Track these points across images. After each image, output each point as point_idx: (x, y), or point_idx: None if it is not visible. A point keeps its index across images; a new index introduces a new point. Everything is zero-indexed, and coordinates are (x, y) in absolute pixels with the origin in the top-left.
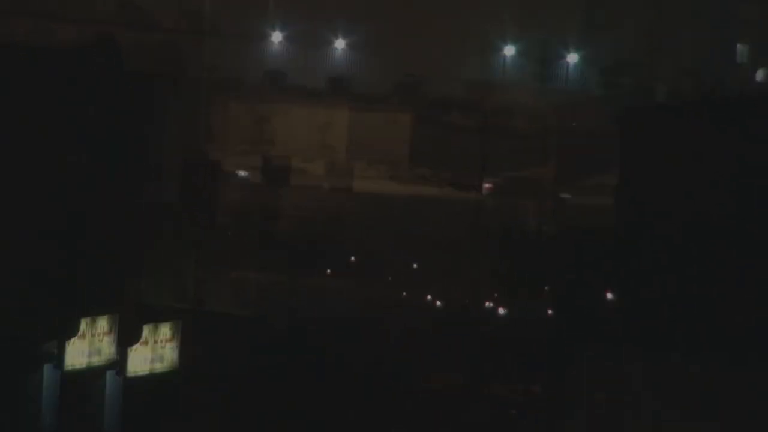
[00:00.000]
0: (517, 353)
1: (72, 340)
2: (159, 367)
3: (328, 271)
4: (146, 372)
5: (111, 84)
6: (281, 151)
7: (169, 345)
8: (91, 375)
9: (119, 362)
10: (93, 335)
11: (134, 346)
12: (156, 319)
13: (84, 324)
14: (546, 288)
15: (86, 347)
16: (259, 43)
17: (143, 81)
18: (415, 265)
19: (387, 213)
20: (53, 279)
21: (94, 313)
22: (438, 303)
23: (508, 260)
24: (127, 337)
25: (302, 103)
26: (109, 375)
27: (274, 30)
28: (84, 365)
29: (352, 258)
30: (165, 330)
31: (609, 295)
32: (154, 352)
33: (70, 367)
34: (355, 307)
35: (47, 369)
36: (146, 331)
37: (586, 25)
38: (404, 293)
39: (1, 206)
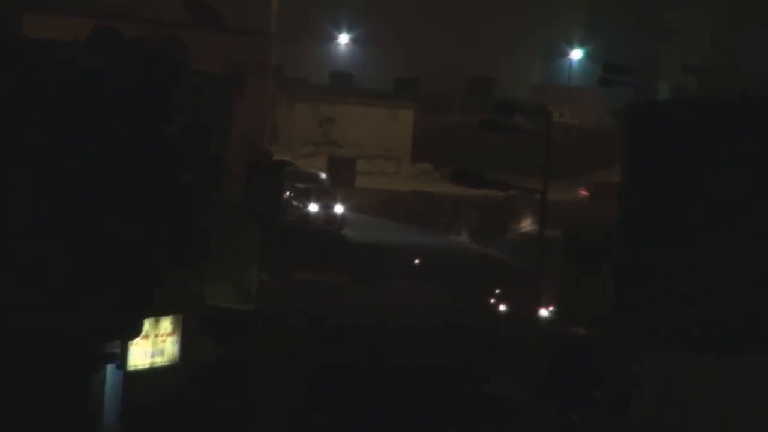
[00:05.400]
0: (581, 357)
1: (135, 340)
2: (159, 361)
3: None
4: (146, 366)
5: (176, 84)
6: (347, 152)
7: (170, 339)
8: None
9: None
10: (156, 336)
11: (135, 340)
12: (217, 320)
13: (147, 324)
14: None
15: (149, 347)
16: (326, 45)
17: (209, 81)
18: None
19: (456, 214)
20: (116, 279)
21: (157, 314)
22: (502, 307)
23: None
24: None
25: (367, 104)
26: (110, 369)
27: (341, 32)
28: (147, 365)
29: (416, 261)
30: (166, 324)
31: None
32: (154, 346)
33: (132, 368)
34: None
35: (110, 369)
36: (147, 324)
37: (649, 28)
38: (470, 297)
39: (63, 206)
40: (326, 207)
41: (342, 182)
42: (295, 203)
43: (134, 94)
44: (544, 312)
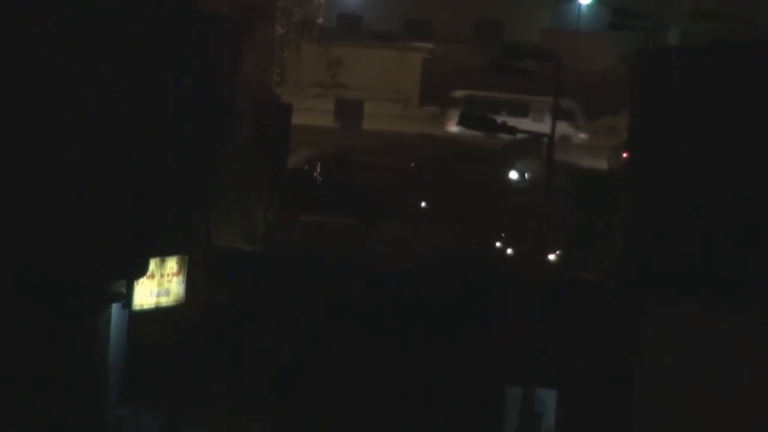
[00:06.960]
0: (586, 306)
1: (140, 280)
2: (164, 301)
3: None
4: (152, 306)
5: (184, 24)
6: (354, 94)
7: (175, 279)
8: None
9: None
10: (162, 276)
11: (140, 280)
12: (224, 261)
13: (153, 264)
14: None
15: (155, 287)
16: None
17: (216, 22)
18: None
19: (460, 159)
20: (122, 218)
21: (163, 254)
22: (509, 251)
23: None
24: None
25: (376, 46)
26: (115, 308)
27: None
28: (152, 305)
29: (423, 204)
30: (172, 264)
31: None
32: (160, 286)
33: (138, 307)
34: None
35: (115, 309)
36: (152, 264)
37: None
38: (473, 240)
39: (70, 145)
40: None
41: (348, 125)
42: None
43: (144, 33)
44: (552, 256)
